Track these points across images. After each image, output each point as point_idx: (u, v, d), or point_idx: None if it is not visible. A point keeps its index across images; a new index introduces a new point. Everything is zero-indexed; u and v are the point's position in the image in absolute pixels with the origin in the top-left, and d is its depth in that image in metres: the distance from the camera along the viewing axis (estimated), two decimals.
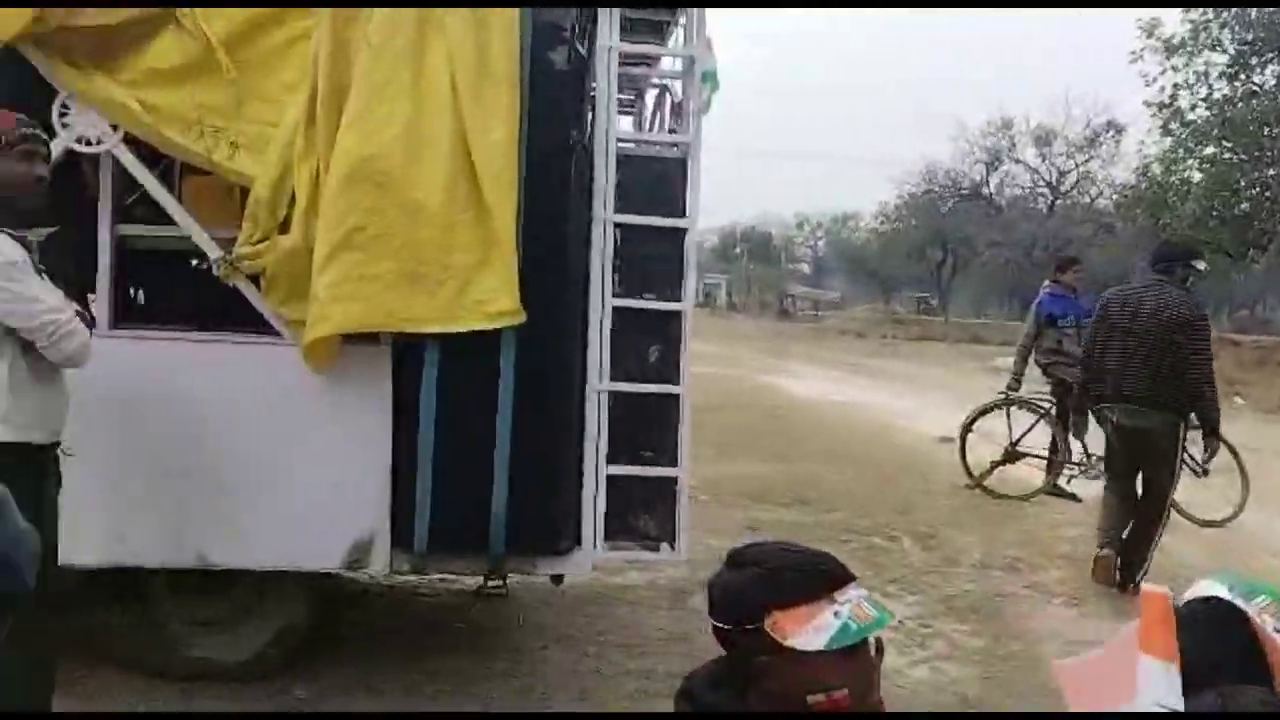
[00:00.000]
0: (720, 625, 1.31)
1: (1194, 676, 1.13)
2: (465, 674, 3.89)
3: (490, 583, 3.82)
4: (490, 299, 3.26)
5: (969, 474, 7.92)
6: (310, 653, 3.79)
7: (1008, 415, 7.96)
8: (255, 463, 3.36)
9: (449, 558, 3.52)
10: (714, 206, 44.20)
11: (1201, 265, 5.63)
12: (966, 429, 8.07)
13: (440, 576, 4.73)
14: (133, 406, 3.30)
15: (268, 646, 3.62)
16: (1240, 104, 20.42)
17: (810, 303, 45.37)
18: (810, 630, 1.23)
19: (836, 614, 1.24)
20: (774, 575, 1.28)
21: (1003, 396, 7.98)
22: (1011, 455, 7.91)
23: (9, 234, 2.66)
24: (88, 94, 3.18)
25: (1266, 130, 19.81)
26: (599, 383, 3.46)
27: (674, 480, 3.57)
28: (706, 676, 1.34)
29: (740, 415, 10.90)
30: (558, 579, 4.03)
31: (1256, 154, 20.24)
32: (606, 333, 3.45)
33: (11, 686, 2.68)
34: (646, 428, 3.56)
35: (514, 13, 3.24)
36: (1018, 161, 39.94)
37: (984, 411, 8.12)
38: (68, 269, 3.18)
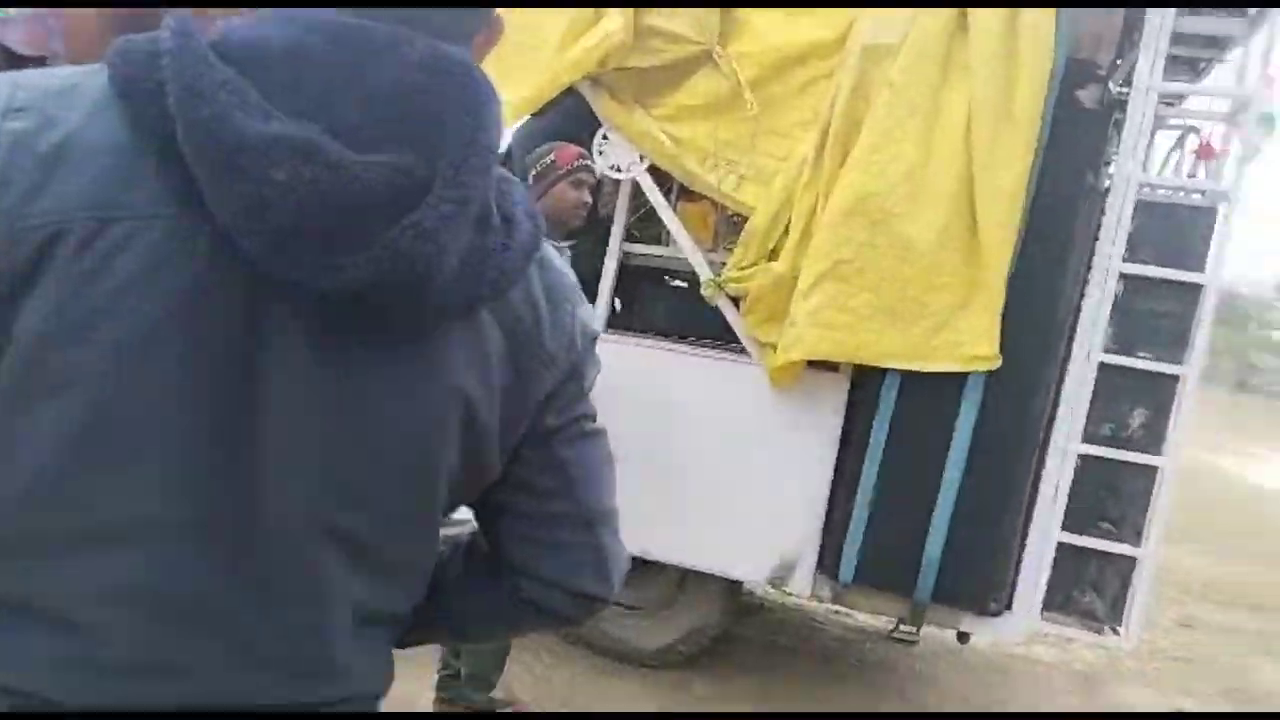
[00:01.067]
0: None
1: None
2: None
3: (903, 628, 3.72)
4: (967, 341, 3.14)
5: None
6: (712, 655, 3.91)
7: None
8: (705, 468, 3.50)
9: (871, 594, 3.43)
10: None
11: None
12: None
13: (835, 609, 4.68)
14: (609, 400, 3.59)
15: (678, 641, 3.79)
16: None
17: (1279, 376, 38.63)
18: None
19: None
20: None
21: None
22: None
23: (553, 245, 3.05)
24: (626, 126, 3.48)
25: None
26: (1067, 442, 3.21)
27: (1133, 560, 3.23)
28: None
29: (1179, 494, 9.59)
30: (963, 636, 3.79)
31: None
32: (1087, 388, 3.19)
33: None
34: (1112, 498, 3.25)
35: (1048, 52, 3.07)
36: None
37: None
38: (586, 277, 3.59)
